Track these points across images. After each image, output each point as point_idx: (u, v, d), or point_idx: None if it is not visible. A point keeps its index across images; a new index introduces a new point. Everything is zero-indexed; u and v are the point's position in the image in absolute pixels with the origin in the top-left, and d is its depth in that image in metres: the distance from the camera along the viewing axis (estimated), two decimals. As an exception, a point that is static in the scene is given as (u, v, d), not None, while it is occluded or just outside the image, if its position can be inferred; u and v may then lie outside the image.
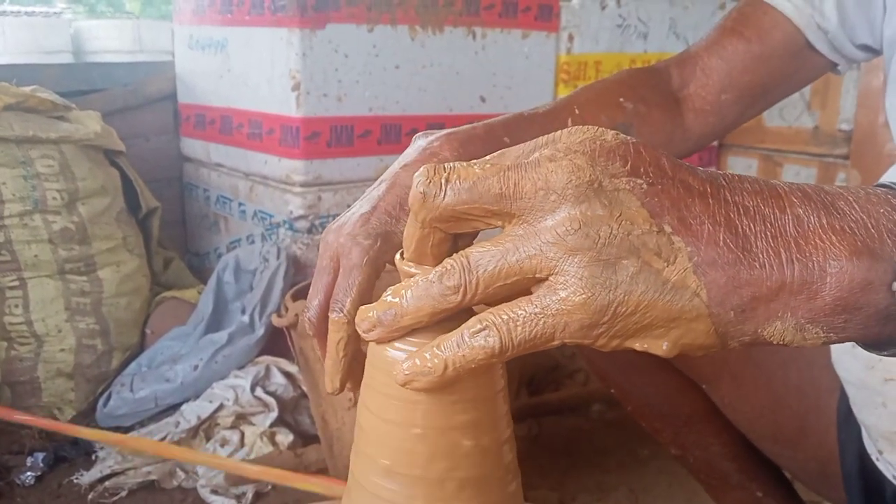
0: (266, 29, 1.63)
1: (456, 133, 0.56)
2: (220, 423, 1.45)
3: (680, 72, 0.75)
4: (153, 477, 1.33)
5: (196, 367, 1.51)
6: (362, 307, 0.39)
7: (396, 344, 0.39)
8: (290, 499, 1.30)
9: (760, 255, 0.33)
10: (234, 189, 1.86)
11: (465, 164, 0.35)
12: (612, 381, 0.96)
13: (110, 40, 2.28)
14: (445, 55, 1.74)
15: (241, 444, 1.42)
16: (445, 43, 1.73)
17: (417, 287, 0.36)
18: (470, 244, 0.36)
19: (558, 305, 0.33)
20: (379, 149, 1.69)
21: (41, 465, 1.37)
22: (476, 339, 0.34)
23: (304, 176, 1.63)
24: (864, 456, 0.74)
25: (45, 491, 1.33)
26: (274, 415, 1.45)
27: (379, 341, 0.40)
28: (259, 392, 1.48)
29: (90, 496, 1.29)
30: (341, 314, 0.48)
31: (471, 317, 0.35)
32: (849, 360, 0.70)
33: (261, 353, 1.57)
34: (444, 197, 0.34)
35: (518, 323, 0.34)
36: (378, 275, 0.50)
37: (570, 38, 1.87)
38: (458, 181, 0.34)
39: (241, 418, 1.45)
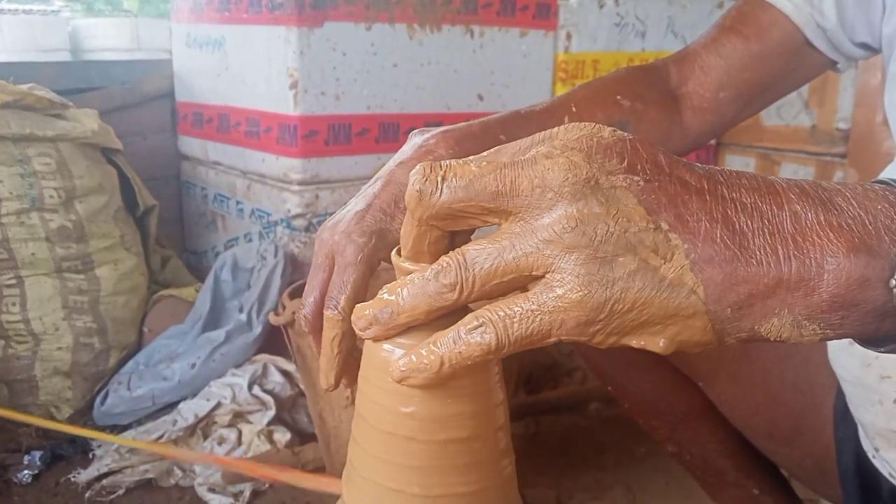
0: (264, 27, 1.63)
1: (452, 130, 0.56)
2: (217, 422, 1.45)
3: (678, 69, 0.75)
4: (150, 475, 1.33)
5: (193, 366, 1.51)
6: (358, 305, 0.39)
7: (393, 342, 0.39)
8: (287, 497, 1.30)
9: (758, 252, 0.33)
10: (231, 187, 1.86)
11: (461, 161, 0.35)
12: (609, 378, 0.96)
13: (108, 38, 2.28)
14: (443, 53, 1.73)
15: (239, 442, 1.42)
16: (443, 41, 1.73)
17: (413, 285, 0.36)
18: (467, 241, 0.36)
19: (555, 302, 0.33)
20: (377, 147, 1.69)
21: (38, 463, 1.36)
22: (472, 335, 0.34)
23: (302, 174, 1.63)
24: (860, 453, 0.74)
25: (42, 489, 1.32)
26: (271, 413, 1.45)
27: (375, 339, 0.40)
28: (256, 390, 1.48)
29: (87, 494, 1.29)
30: (336, 311, 0.48)
31: (467, 314, 0.35)
32: (845, 357, 0.71)
33: (258, 352, 1.57)
34: (440, 195, 0.34)
35: (515, 320, 0.34)
36: (373, 272, 0.50)
37: (568, 36, 1.87)
38: (454, 179, 0.34)
39: (239, 416, 1.45)
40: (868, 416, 0.70)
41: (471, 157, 0.36)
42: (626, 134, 0.35)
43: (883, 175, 0.40)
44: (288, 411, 1.50)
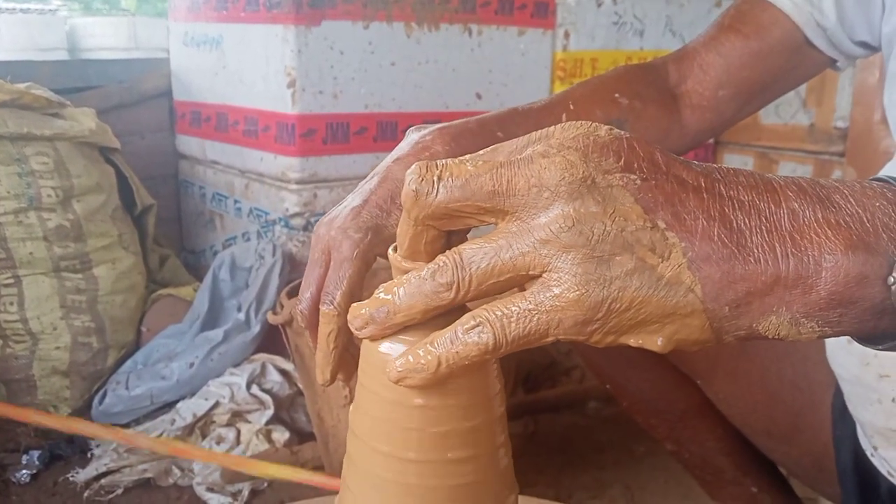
0: (261, 26, 1.63)
1: (448, 127, 0.56)
2: (215, 421, 1.45)
3: (677, 68, 0.75)
4: (149, 475, 1.33)
5: (192, 365, 1.51)
6: (355, 304, 0.38)
7: (390, 341, 0.39)
8: (286, 496, 1.30)
9: (755, 250, 0.33)
10: (229, 186, 1.85)
11: (457, 161, 0.35)
12: (608, 377, 0.96)
13: (106, 37, 2.27)
14: (441, 52, 1.73)
15: (237, 441, 1.41)
16: (441, 40, 1.72)
17: (410, 284, 0.36)
18: (463, 241, 0.36)
19: (552, 302, 0.33)
20: (375, 146, 1.69)
21: (37, 462, 1.36)
22: (470, 335, 0.34)
23: (300, 173, 1.63)
24: (858, 451, 0.74)
25: (40, 489, 1.32)
26: (270, 412, 1.44)
27: (372, 338, 0.40)
28: (255, 389, 1.48)
29: (86, 494, 1.29)
30: (331, 306, 0.48)
31: (464, 314, 0.35)
32: (844, 356, 0.70)
33: (256, 351, 1.57)
34: (436, 195, 0.34)
35: (512, 319, 0.33)
36: (368, 268, 0.50)
37: (566, 35, 1.87)
38: (450, 179, 0.34)
39: (237, 416, 1.45)
40: (867, 414, 0.70)
41: (467, 157, 0.36)
42: (622, 132, 0.35)
43: (882, 173, 0.40)
44: (286, 410, 1.50)
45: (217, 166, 1.90)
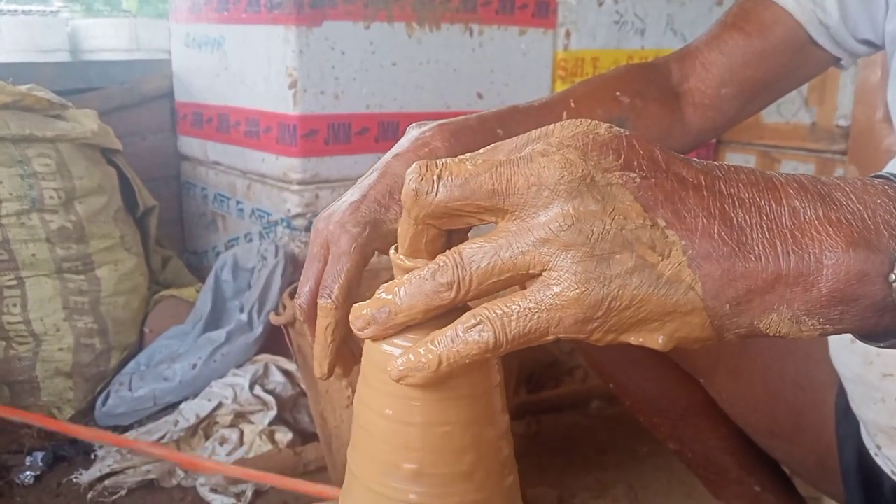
0: (262, 27, 1.63)
1: (448, 124, 0.56)
2: (219, 422, 1.45)
3: (680, 66, 0.75)
4: (152, 476, 1.33)
5: (195, 366, 1.51)
6: (356, 305, 0.38)
7: (392, 341, 0.39)
8: (289, 497, 1.30)
9: (756, 248, 0.33)
10: (231, 187, 1.86)
11: (456, 159, 0.35)
12: (610, 376, 0.96)
13: (107, 39, 2.28)
14: (442, 52, 1.73)
15: (241, 442, 1.41)
16: (442, 40, 1.72)
17: (410, 284, 0.36)
18: (464, 239, 0.36)
19: (552, 300, 0.33)
20: (376, 146, 1.69)
21: (40, 464, 1.36)
22: (470, 333, 0.34)
23: (302, 174, 1.63)
24: (862, 451, 0.74)
25: (44, 490, 1.32)
26: (273, 413, 1.44)
27: (374, 339, 0.40)
28: (258, 390, 1.48)
29: (89, 495, 1.29)
30: (329, 300, 0.48)
31: (465, 313, 0.35)
32: (847, 355, 0.70)
33: (259, 352, 1.57)
34: (436, 194, 0.34)
35: (512, 318, 0.33)
36: (366, 262, 0.50)
37: (567, 34, 1.87)
38: (450, 178, 0.34)
39: (240, 417, 1.45)
40: (870, 413, 0.70)
41: (467, 155, 0.36)
42: (622, 130, 0.35)
43: (884, 171, 0.40)
44: (289, 411, 1.50)
45: (219, 167, 1.90)
